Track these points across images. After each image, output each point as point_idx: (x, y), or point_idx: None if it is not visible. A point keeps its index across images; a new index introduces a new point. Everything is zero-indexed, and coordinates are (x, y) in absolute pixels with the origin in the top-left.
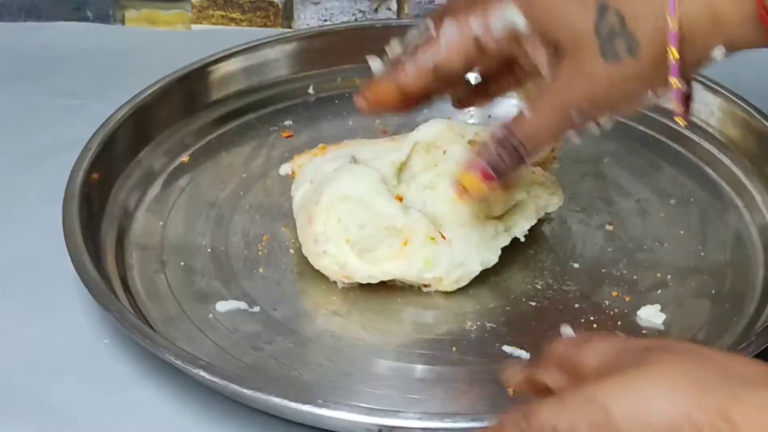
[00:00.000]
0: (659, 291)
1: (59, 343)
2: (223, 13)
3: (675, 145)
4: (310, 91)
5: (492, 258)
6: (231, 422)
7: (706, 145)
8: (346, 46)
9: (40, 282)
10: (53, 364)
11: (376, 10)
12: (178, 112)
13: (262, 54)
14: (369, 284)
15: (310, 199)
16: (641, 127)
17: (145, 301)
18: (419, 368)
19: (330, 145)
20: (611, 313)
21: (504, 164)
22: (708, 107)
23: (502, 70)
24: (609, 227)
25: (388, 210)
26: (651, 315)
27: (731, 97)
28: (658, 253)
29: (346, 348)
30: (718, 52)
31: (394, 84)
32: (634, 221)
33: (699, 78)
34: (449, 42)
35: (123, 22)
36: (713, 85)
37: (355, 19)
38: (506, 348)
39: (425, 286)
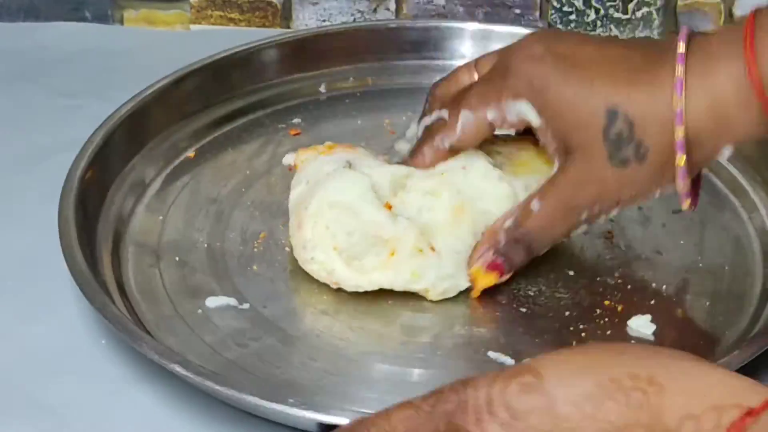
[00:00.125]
0: (652, 301)
1: (57, 343)
2: (221, 13)
3: None
4: (322, 89)
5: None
6: (230, 424)
7: None
8: (360, 45)
9: (39, 282)
10: (51, 365)
11: (374, 11)
12: (178, 111)
13: (274, 51)
14: None
15: (302, 202)
16: None
17: (136, 295)
18: (400, 370)
19: (339, 145)
20: (601, 322)
21: (512, 259)
22: None
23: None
24: (609, 235)
25: (376, 218)
26: (641, 325)
27: None
28: (655, 263)
29: (329, 348)
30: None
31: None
32: (635, 229)
33: None
34: (466, 130)
35: (122, 22)
36: None
37: (354, 20)
38: (491, 354)
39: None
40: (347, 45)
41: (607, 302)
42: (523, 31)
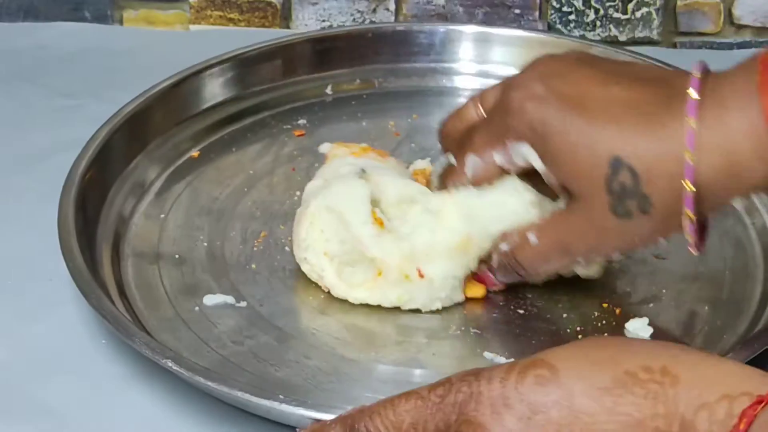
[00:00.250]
0: (651, 305)
1: (56, 343)
2: (221, 13)
3: None
4: (328, 91)
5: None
6: (230, 424)
7: None
8: (367, 48)
9: (38, 282)
10: (50, 364)
11: (374, 11)
12: (181, 112)
13: (281, 53)
14: None
15: (309, 198)
16: None
17: (135, 295)
18: (395, 370)
19: (374, 149)
20: (598, 324)
21: (502, 280)
22: None
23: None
24: None
25: (360, 233)
26: (639, 328)
27: None
28: (655, 266)
29: (325, 346)
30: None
31: None
32: None
33: None
34: (475, 173)
35: (121, 22)
36: None
37: (354, 20)
38: (487, 354)
39: None
40: (354, 47)
41: (605, 305)
42: (540, 36)
